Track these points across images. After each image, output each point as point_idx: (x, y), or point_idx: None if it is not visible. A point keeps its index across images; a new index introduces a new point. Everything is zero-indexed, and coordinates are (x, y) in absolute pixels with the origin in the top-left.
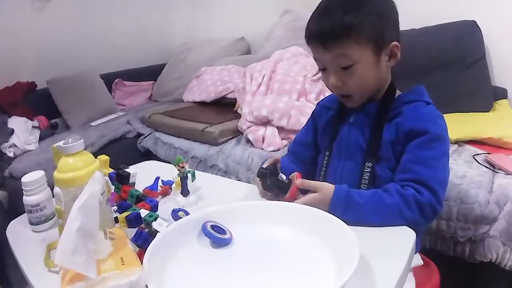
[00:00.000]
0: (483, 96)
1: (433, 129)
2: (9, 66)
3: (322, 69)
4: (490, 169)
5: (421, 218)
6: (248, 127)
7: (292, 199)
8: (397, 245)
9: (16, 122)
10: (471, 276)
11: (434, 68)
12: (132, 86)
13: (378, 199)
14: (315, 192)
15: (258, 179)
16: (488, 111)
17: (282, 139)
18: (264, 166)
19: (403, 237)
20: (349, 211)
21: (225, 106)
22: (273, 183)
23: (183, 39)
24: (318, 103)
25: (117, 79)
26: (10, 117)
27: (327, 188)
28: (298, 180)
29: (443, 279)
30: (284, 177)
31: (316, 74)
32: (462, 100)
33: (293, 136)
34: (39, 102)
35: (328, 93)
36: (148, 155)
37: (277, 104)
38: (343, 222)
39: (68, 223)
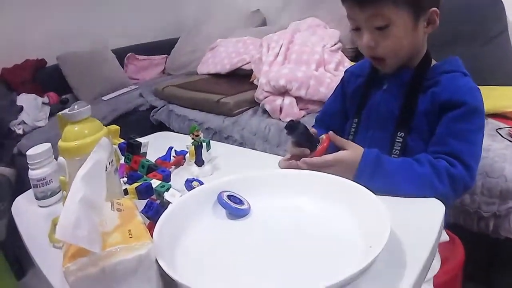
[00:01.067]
0: (505, 70)
1: (471, 101)
2: (18, 44)
3: (355, 29)
4: None
5: (451, 192)
6: (265, 97)
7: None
8: (426, 218)
9: (25, 99)
10: (494, 251)
11: (455, 42)
12: (144, 60)
13: (408, 168)
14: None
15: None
16: (510, 85)
17: (300, 109)
18: None
19: (432, 210)
20: (377, 176)
21: (240, 77)
22: (303, 137)
23: (196, 12)
24: (346, 70)
25: (130, 53)
26: (19, 94)
27: (357, 148)
28: (331, 133)
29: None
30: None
31: (334, 45)
32: (484, 74)
33: (311, 107)
34: (49, 79)
35: (348, 63)
36: (161, 129)
37: (295, 73)
38: (371, 192)
39: (70, 194)
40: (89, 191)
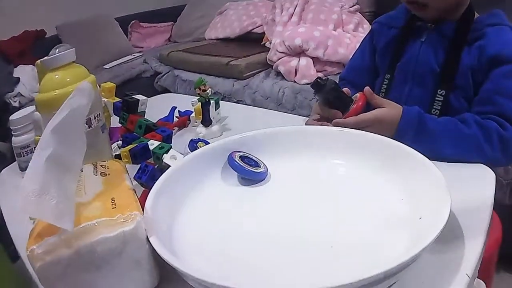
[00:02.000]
0: None
1: None
2: (16, 14)
3: None
4: None
5: (502, 156)
6: (279, 59)
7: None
8: (476, 187)
9: (22, 70)
10: None
11: (487, 3)
12: (149, 28)
13: (453, 128)
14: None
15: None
16: None
17: (317, 71)
18: None
19: (482, 178)
20: (420, 137)
21: (251, 41)
22: (333, 95)
23: None
24: (375, 21)
25: (134, 21)
26: (16, 66)
27: (396, 105)
28: (366, 89)
29: None
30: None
31: (352, 6)
32: None
33: (330, 68)
34: (49, 50)
35: (367, 26)
36: None
37: (312, 32)
38: (421, 154)
39: (36, 152)
40: (62, 148)
